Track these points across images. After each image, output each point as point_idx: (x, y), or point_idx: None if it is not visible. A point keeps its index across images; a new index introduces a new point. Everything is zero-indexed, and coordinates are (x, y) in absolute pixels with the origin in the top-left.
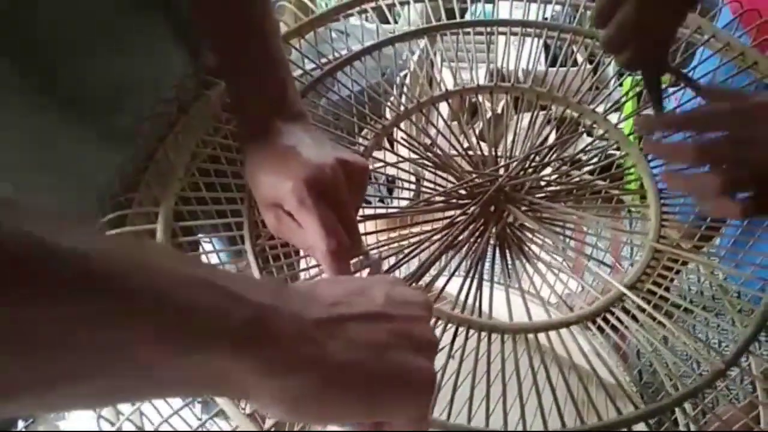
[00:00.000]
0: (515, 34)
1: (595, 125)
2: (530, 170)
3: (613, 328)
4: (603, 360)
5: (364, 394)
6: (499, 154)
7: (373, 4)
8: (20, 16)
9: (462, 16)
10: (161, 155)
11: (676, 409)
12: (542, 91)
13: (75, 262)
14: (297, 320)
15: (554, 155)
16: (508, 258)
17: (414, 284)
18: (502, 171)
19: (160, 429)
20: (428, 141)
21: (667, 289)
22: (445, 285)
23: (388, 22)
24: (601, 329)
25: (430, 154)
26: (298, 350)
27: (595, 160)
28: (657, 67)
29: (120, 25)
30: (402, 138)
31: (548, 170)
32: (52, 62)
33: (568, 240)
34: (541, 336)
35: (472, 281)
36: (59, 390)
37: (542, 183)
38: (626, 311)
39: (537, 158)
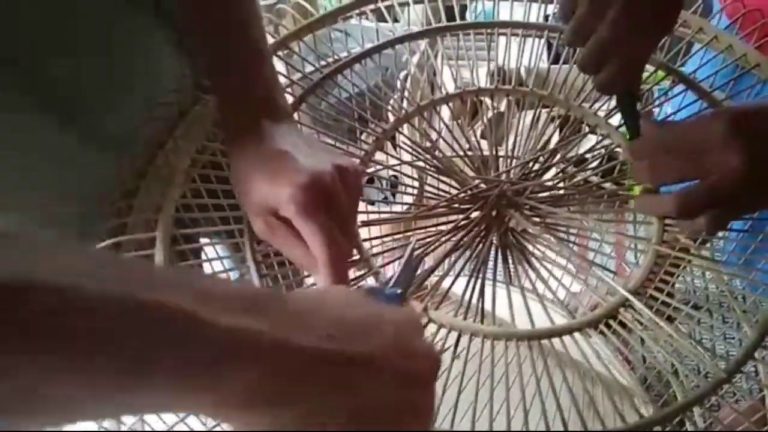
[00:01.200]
0: (516, 35)
1: (597, 128)
2: (532, 173)
3: (617, 332)
4: (606, 365)
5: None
6: (500, 155)
7: (372, 7)
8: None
9: (462, 16)
10: (161, 160)
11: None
12: (544, 94)
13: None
14: (277, 349)
15: (556, 158)
16: (511, 263)
17: (419, 287)
18: (503, 175)
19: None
20: (429, 144)
21: (670, 294)
22: (449, 288)
23: (396, 20)
24: (608, 332)
25: (430, 157)
26: (269, 387)
27: (596, 163)
28: (628, 91)
29: (107, 25)
30: (403, 142)
31: (551, 172)
32: (39, 63)
33: (571, 244)
34: (545, 342)
35: (474, 285)
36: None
37: (545, 186)
38: (630, 316)
39: (539, 161)
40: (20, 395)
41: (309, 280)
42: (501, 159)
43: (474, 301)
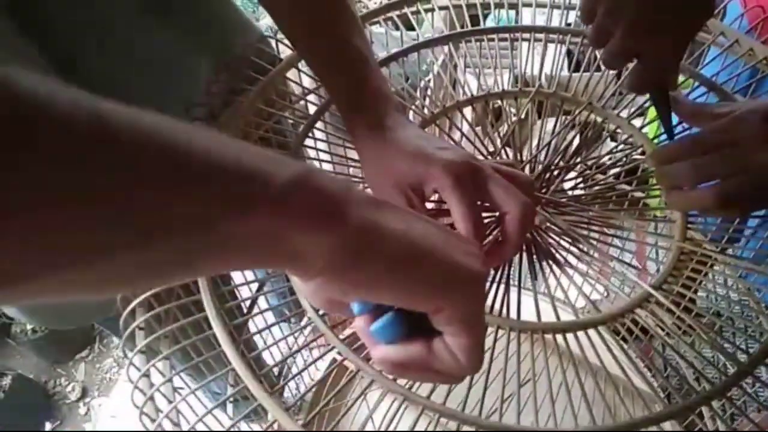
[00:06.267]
0: (539, 40)
1: (619, 130)
2: (555, 173)
3: (642, 329)
4: (631, 360)
5: (421, 266)
6: (523, 158)
7: (398, 12)
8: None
9: (484, 21)
10: None
11: (704, 410)
12: (567, 96)
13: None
14: (343, 185)
15: (579, 158)
16: (536, 261)
17: None
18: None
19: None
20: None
21: (695, 291)
22: None
23: (412, 28)
24: (629, 330)
25: None
26: (345, 209)
27: (620, 163)
28: (660, 88)
29: (131, 33)
30: None
31: (572, 174)
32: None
33: (595, 242)
34: (570, 336)
35: (499, 283)
36: (98, 266)
37: (567, 186)
38: (653, 312)
39: (561, 162)
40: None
41: None
42: (524, 162)
43: (498, 299)
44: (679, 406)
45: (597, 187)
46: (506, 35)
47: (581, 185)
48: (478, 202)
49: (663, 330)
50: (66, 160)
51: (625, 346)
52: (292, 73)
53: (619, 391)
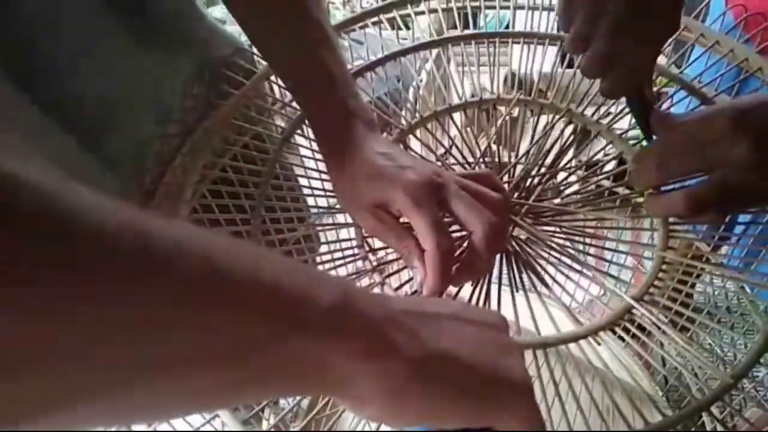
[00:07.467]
0: (530, 43)
1: (599, 136)
2: (536, 180)
3: (634, 337)
4: (611, 370)
5: (470, 388)
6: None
7: (389, 15)
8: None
9: (475, 22)
10: (169, 177)
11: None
12: (545, 103)
13: (130, 239)
14: (383, 306)
15: (559, 164)
16: (516, 270)
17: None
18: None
19: None
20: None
21: (676, 300)
22: (456, 295)
23: (400, 29)
24: (624, 336)
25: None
26: (393, 334)
27: (605, 168)
28: (637, 95)
29: (106, 50)
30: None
31: (560, 178)
32: (52, 84)
33: (578, 251)
34: (561, 347)
35: (479, 296)
36: (114, 400)
37: (548, 193)
38: (636, 323)
39: (542, 168)
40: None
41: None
42: (508, 167)
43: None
44: (667, 420)
45: (578, 194)
46: (495, 39)
47: (565, 190)
48: (447, 218)
49: (644, 339)
50: (117, 293)
51: (608, 357)
52: (268, 85)
53: (599, 406)
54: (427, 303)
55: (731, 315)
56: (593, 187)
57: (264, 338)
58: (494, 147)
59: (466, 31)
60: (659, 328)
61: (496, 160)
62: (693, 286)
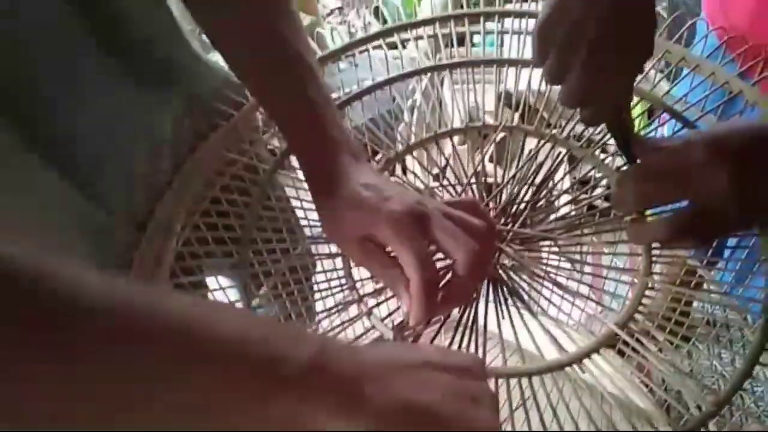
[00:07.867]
0: (525, 67)
1: (583, 161)
2: (521, 207)
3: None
4: (606, 387)
5: None
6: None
7: (390, 40)
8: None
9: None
10: (159, 212)
11: None
12: (529, 129)
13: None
14: (355, 360)
15: (545, 191)
16: (502, 298)
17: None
18: (491, 211)
19: None
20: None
21: (671, 319)
22: (440, 329)
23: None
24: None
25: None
26: (362, 388)
27: (584, 198)
28: (617, 121)
29: (94, 85)
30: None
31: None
32: (39, 119)
33: (564, 278)
34: (535, 379)
35: (465, 327)
36: None
37: (539, 216)
38: (621, 349)
39: (527, 195)
40: None
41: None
42: (494, 193)
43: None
44: None
45: (565, 219)
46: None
47: (552, 214)
48: (432, 247)
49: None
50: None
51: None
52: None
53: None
54: (403, 352)
55: (729, 332)
56: (584, 209)
57: (230, 399)
58: (486, 170)
59: (459, 59)
60: (637, 352)
61: (483, 184)
62: (688, 304)
